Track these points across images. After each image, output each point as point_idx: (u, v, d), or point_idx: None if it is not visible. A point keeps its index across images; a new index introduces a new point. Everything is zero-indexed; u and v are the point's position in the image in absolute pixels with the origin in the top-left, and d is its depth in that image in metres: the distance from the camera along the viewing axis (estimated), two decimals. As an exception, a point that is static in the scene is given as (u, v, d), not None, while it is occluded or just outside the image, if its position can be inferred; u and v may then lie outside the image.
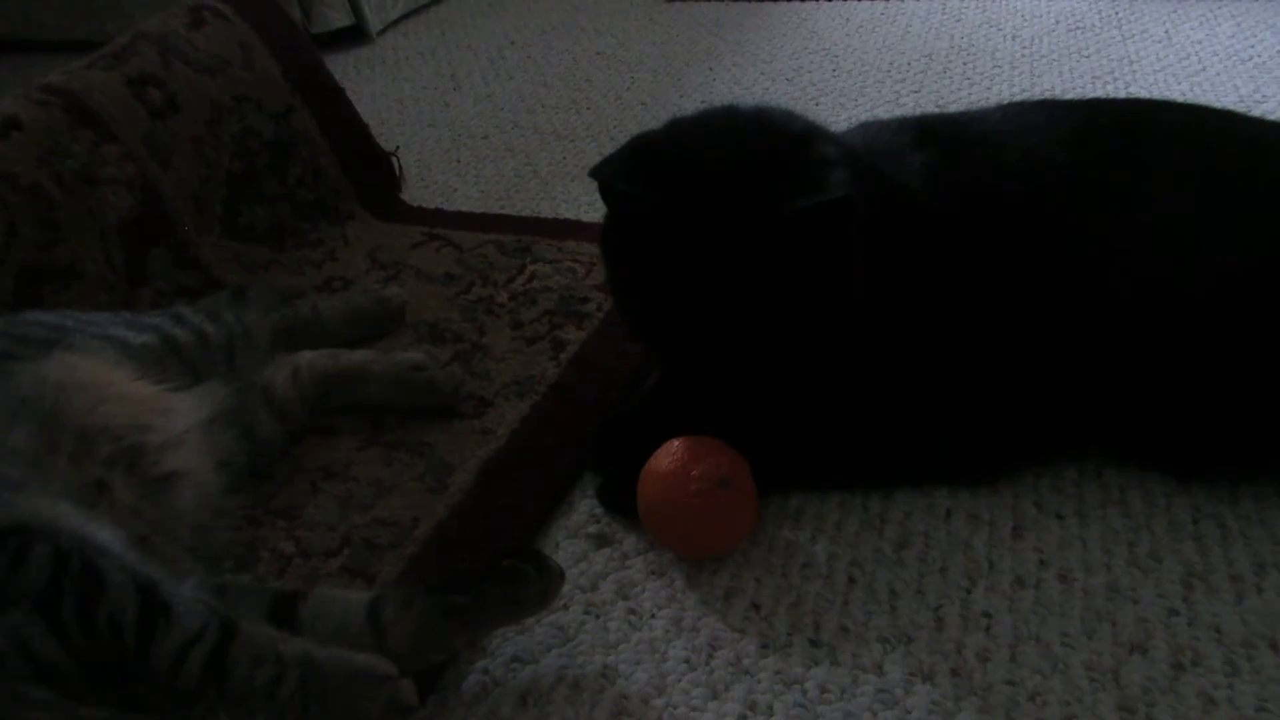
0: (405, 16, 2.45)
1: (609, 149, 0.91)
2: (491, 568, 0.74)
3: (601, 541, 0.88)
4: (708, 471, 0.81)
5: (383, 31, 2.35)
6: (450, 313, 1.22)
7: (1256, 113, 1.41)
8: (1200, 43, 1.78)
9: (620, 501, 0.89)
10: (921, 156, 0.88)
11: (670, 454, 0.84)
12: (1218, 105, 0.93)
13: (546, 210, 1.46)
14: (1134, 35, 1.85)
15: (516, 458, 0.98)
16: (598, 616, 0.81)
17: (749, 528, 0.85)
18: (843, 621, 0.78)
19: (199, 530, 0.87)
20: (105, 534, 0.71)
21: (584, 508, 0.92)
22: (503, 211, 1.47)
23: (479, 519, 0.92)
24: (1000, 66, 1.76)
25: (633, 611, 0.81)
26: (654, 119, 1.28)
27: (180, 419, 0.90)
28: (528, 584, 0.73)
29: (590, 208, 1.44)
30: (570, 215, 1.44)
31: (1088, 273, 0.84)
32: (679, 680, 0.75)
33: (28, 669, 0.61)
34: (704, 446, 0.84)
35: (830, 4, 2.11)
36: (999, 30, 1.93)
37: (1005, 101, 1.01)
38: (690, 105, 1.20)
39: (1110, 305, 0.83)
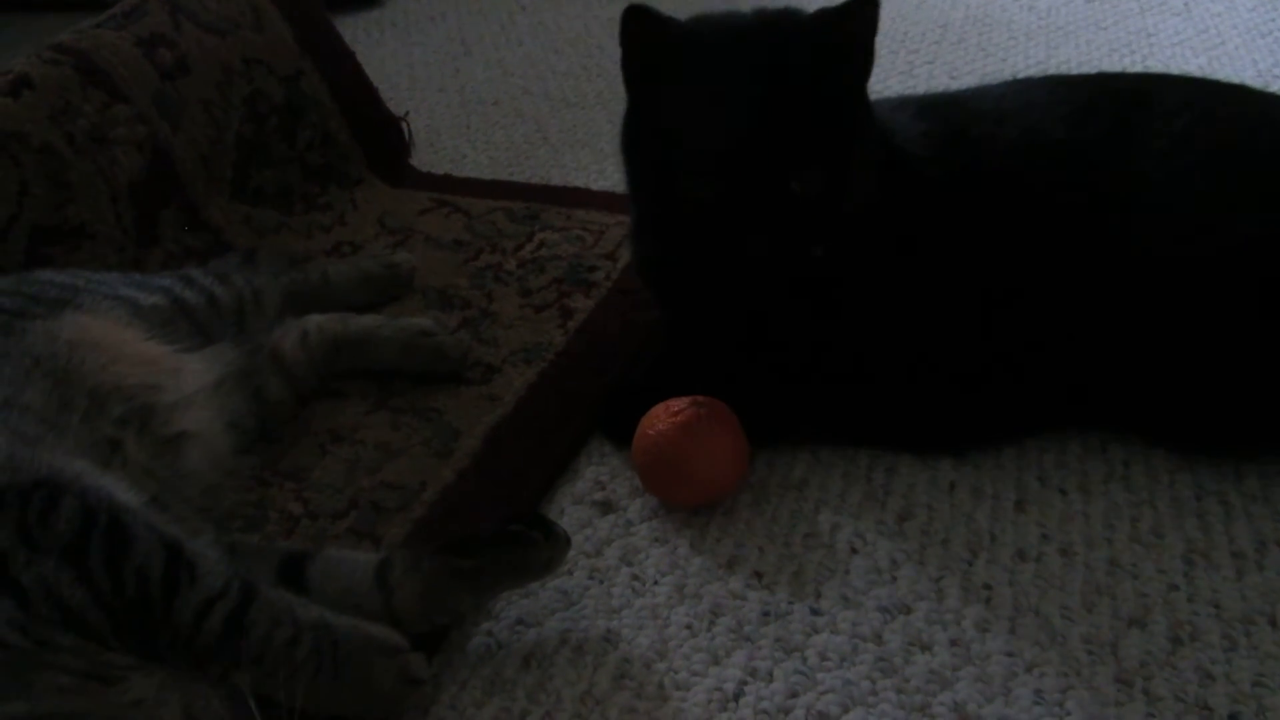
0: (416, -21, 2.42)
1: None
2: (498, 532, 0.75)
3: (606, 508, 0.89)
4: (687, 401, 0.85)
5: (393, -6, 2.33)
6: (458, 279, 1.23)
7: (1275, 87, 1.39)
8: (1219, 15, 1.76)
9: (625, 440, 0.91)
10: (923, 126, 0.89)
11: (652, 413, 0.87)
12: (1235, 79, 0.93)
13: (556, 178, 1.46)
14: (1152, 8, 1.83)
15: (523, 424, 0.99)
16: (601, 582, 0.82)
17: (734, 464, 0.86)
18: (844, 591, 0.79)
19: (208, 490, 0.87)
20: (125, 492, 0.72)
21: (589, 475, 0.93)
22: (512, 178, 1.47)
23: (485, 484, 0.92)
24: (1016, 38, 1.75)
25: (636, 577, 0.82)
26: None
27: (190, 380, 0.91)
28: (534, 549, 0.74)
29: (600, 175, 1.44)
30: (580, 183, 1.43)
31: (1087, 248, 0.84)
32: (681, 645, 0.76)
33: (56, 615, 0.62)
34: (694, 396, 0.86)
35: (845, -28, 2.08)
36: (1015, 1, 1.91)
37: (1015, 76, 1.00)
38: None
39: (1111, 280, 0.83)
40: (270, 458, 0.97)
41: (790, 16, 0.84)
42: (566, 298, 1.18)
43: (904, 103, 0.94)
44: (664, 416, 0.86)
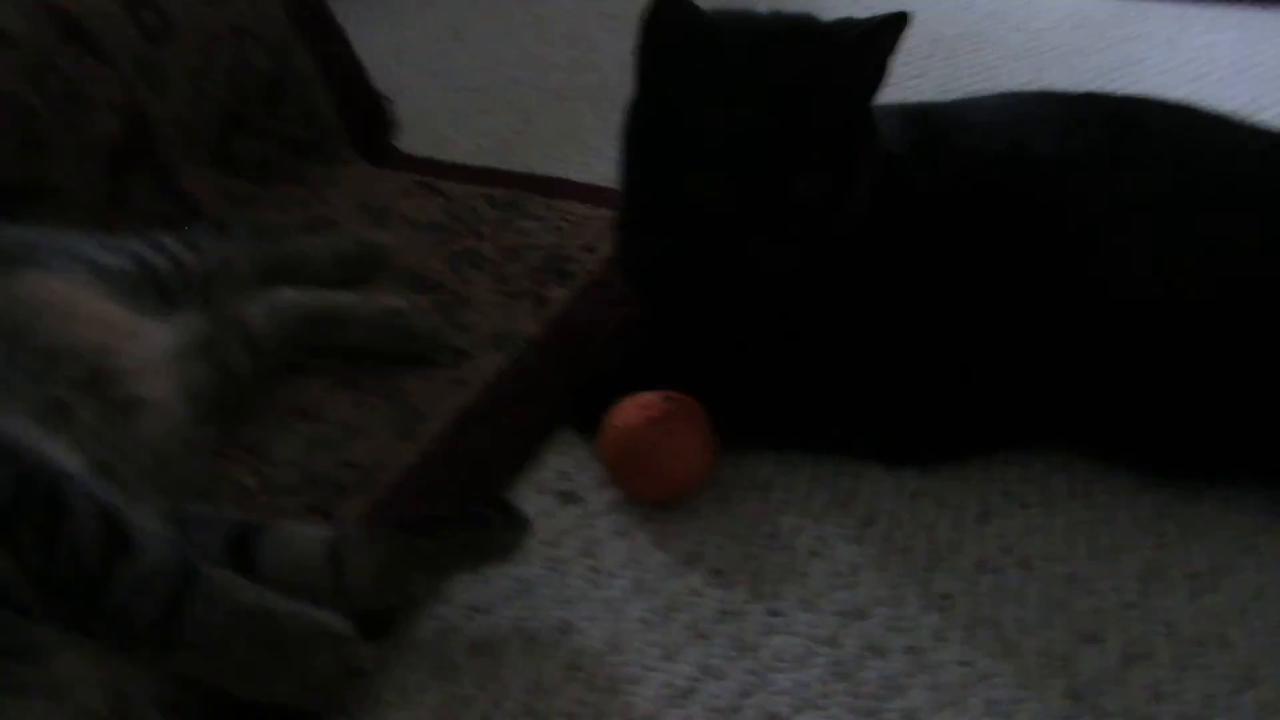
0: (411, -37, 2.41)
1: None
2: (458, 514, 0.74)
3: (568, 499, 0.88)
4: (658, 396, 0.85)
5: (387, -24, 2.32)
6: (434, 262, 1.21)
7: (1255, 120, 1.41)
8: (1204, 48, 1.78)
9: (591, 431, 0.90)
10: (911, 134, 0.88)
11: (622, 406, 0.87)
12: (1219, 110, 0.94)
13: (540, 168, 1.45)
14: (1139, 36, 1.85)
15: (490, 410, 0.98)
16: (559, 571, 0.81)
17: (701, 462, 0.85)
18: (802, 593, 0.79)
19: (162, 460, 0.85)
20: (67, 457, 0.70)
21: (554, 464, 0.92)
22: (496, 166, 1.46)
23: (448, 468, 0.91)
24: (1005, 58, 1.76)
25: (594, 569, 0.81)
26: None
27: (150, 346, 0.89)
28: (494, 532, 0.73)
29: (584, 169, 1.43)
30: (563, 175, 1.42)
31: (1063, 266, 0.84)
32: (635, 639, 0.75)
33: None
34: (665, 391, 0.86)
35: (841, -17, 2.09)
36: (1006, 21, 1.92)
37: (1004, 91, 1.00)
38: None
39: (1084, 300, 0.83)
40: (229, 430, 0.95)
41: (813, 23, 0.85)
42: (542, 287, 1.17)
43: (891, 110, 0.94)
44: (633, 410, 0.85)
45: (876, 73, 0.84)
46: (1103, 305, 0.83)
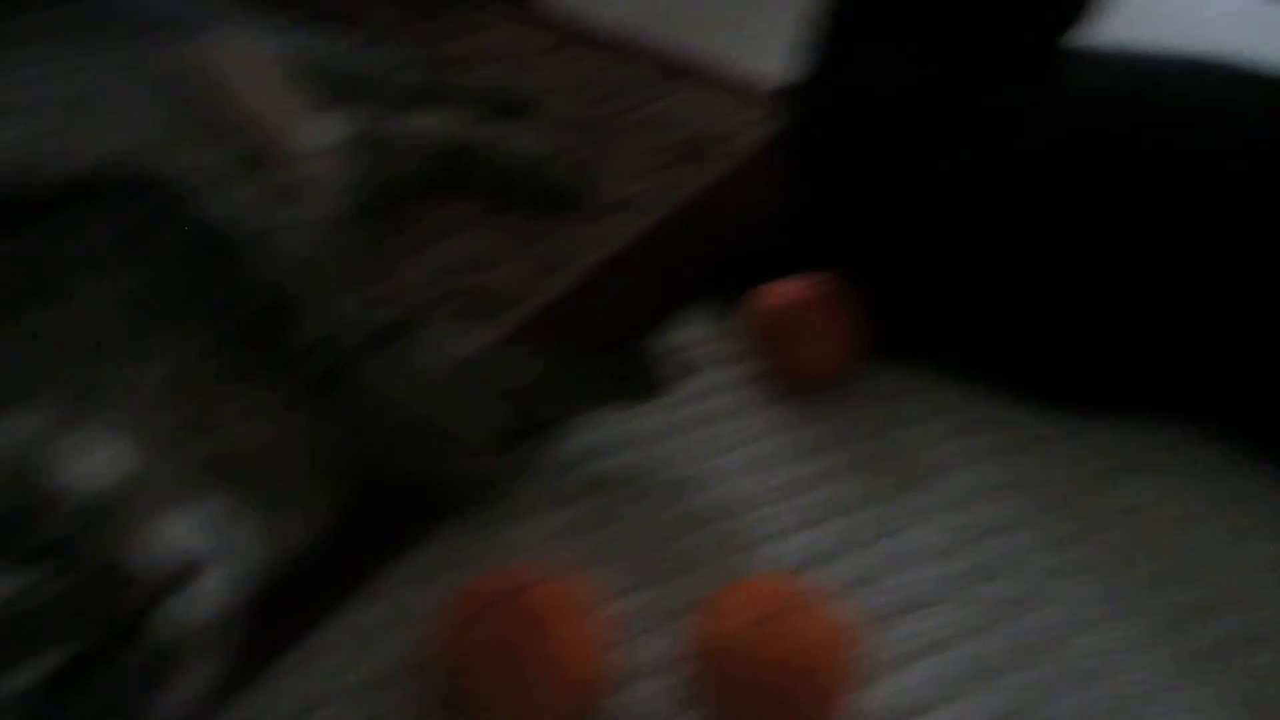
0: None
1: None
2: (608, 351, 0.73)
3: (694, 368, 0.88)
4: (816, 278, 0.84)
5: None
6: (577, 116, 1.20)
7: None
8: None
9: (726, 308, 0.89)
10: (1106, 78, 0.84)
11: (776, 285, 0.86)
12: None
13: (697, 46, 1.41)
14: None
15: (628, 268, 0.97)
16: (679, 434, 0.81)
17: (847, 353, 0.84)
18: (917, 506, 0.78)
19: (307, 252, 0.86)
20: (255, 219, 0.70)
21: (682, 333, 0.91)
22: (650, 34, 1.42)
23: (582, 314, 0.91)
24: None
25: (713, 439, 0.81)
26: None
27: (314, 135, 0.89)
28: (641, 375, 0.73)
29: (742, 54, 1.39)
30: (720, 57, 1.39)
31: (1240, 241, 0.80)
32: (750, 511, 0.75)
33: (180, 307, 0.62)
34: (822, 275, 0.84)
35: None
36: None
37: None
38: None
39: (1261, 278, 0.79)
40: (371, 238, 0.96)
41: None
42: (686, 163, 1.15)
43: (1086, 53, 0.89)
44: (789, 288, 0.84)
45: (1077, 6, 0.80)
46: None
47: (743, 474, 0.78)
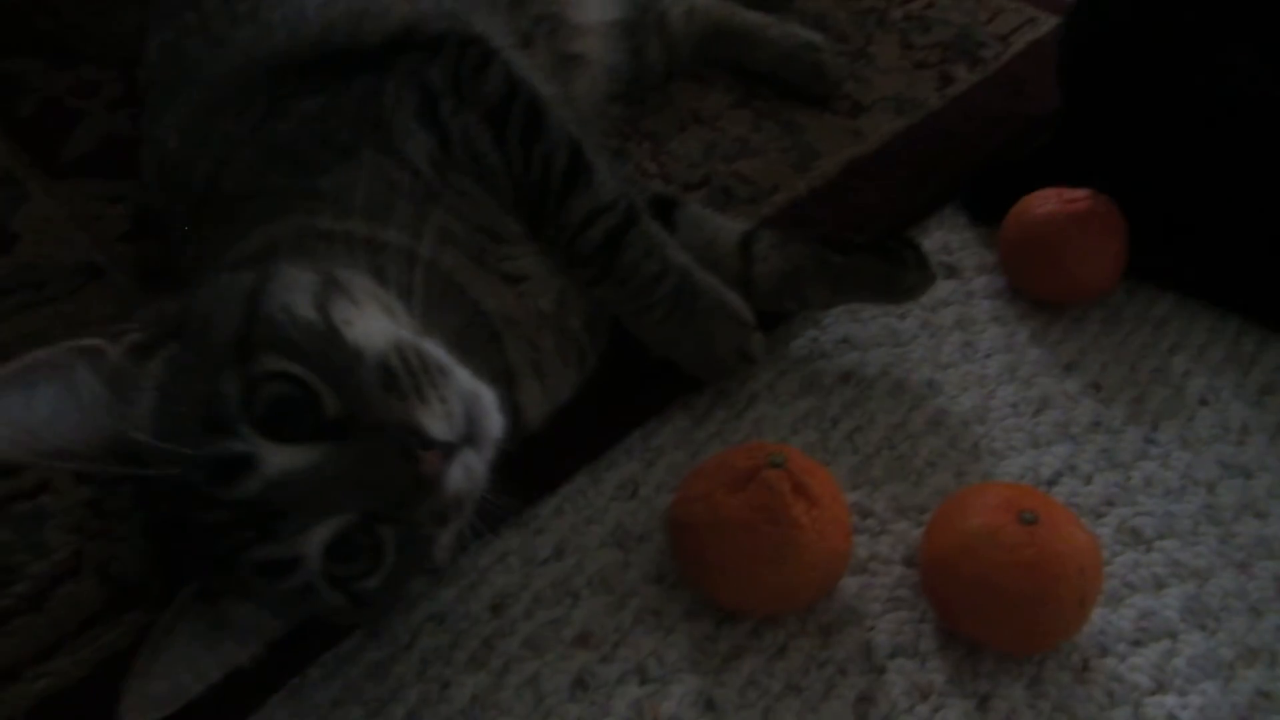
0: None
1: None
2: (873, 243, 0.73)
3: (950, 272, 0.86)
4: (1086, 192, 0.80)
5: None
6: (838, 12, 1.16)
7: None
8: None
9: (985, 215, 0.87)
10: None
11: (1043, 194, 0.82)
12: None
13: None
14: None
15: (882, 168, 0.96)
16: (933, 336, 0.80)
17: (1110, 272, 0.81)
18: (1184, 434, 0.75)
19: (581, 122, 0.89)
20: (543, 85, 0.73)
21: (939, 236, 0.90)
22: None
23: (835, 209, 0.90)
24: None
25: (968, 344, 0.80)
26: None
27: (593, 10, 0.90)
28: (905, 270, 0.72)
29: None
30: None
31: None
32: (1002, 420, 0.75)
33: (469, 163, 0.65)
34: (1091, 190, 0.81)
35: None
36: None
37: None
38: None
39: None
40: (633, 116, 0.98)
41: None
42: (948, 64, 1.10)
43: None
44: (1056, 200, 0.81)
45: None
46: None
47: (1000, 382, 0.77)
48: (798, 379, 0.76)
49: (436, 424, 0.48)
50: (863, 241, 0.74)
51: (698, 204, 0.80)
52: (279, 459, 0.45)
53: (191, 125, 0.69)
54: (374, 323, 0.51)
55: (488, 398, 0.51)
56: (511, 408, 0.63)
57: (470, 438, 0.50)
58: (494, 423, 0.51)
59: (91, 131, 0.96)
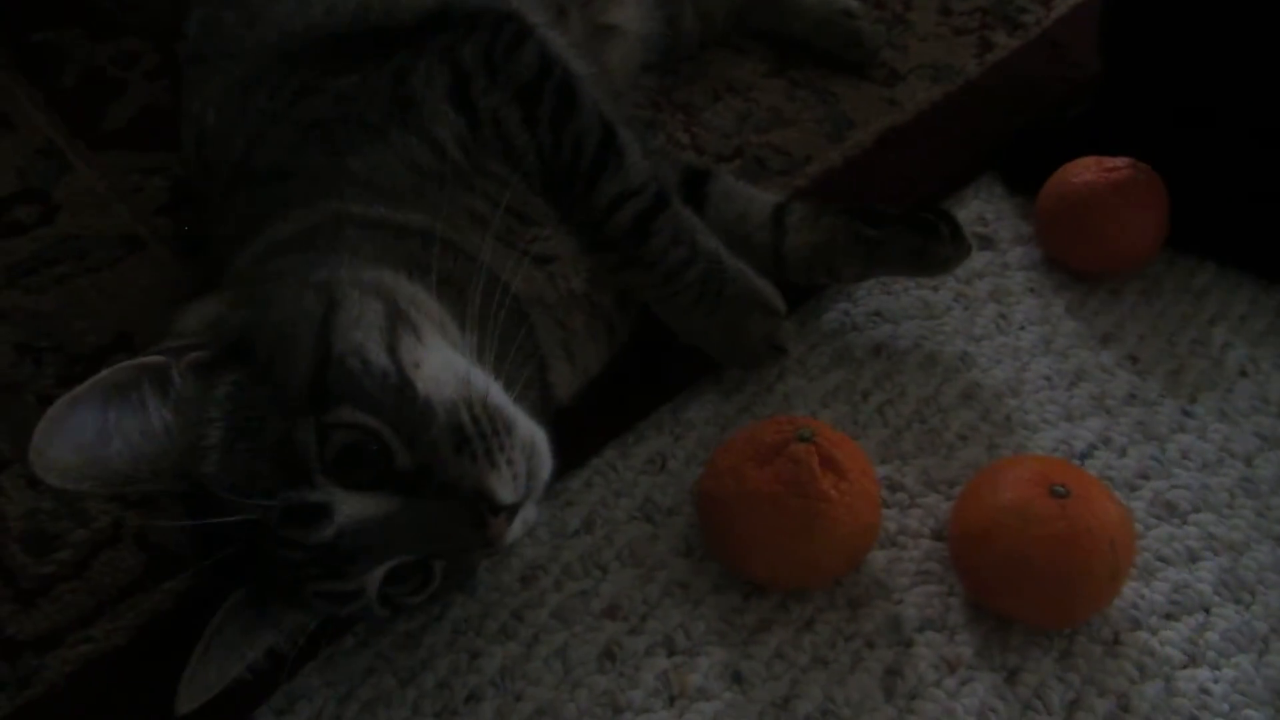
0: None
1: None
2: (908, 214, 0.72)
3: (985, 243, 0.85)
4: (1126, 161, 0.78)
5: None
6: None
7: None
8: None
9: (1021, 184, 0.86)
10: None
11: (1081, 163, 0.80)
12: None
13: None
14: None
15: (918, 136, 0.94)
16: (966, 308, 0.80)
17: (1149, 243, 0.80)
18: (1222, 405, 0.74)
19: (614, 95, 0.88)
20: (576, 62, 0.72)
21: (974, 207, 0.88)
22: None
23: (869, 180, 0.90)
24: None
25: (1003, 317, 0.79)
26: None
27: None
28: (939, 242, 0.71)
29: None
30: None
31: None
32: (1036, 392, 0.74)
33: (497, 145, 0.64)
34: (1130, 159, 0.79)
35: None
36: None
37: None
38: None
39: None
40: (667, 88, 0.97)
41: None
42: (988, 30, 1.08)
43: None
44: (1095, 169, 0.79)
45: None
46: None
47: (1034, 354, 0.76)
48: (829, 352, 0.76)
49: (504, 489, 0.50)
50: (896, 214, 0.73)
51: (731, 176, 0.79)
52: (351, 507, 0.47)
53: (228, 100, 0.70)
54: (439, 360, 0.52)
55: (543, 444, 0.53)
56: (542, 387, 0.63)
57: (530, 491, 0.52)
58: (548, 468, 0.53)
59: (132, 102, 0.97)
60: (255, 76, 0.68)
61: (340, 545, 0.47)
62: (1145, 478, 0.69)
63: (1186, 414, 0.73)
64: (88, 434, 0.46)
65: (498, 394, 0.53)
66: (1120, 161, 0.79)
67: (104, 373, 0.46)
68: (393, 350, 0.50)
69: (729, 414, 0.72)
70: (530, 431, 0.53)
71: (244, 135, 0.66)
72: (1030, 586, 0.58)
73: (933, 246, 0.71)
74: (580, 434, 0.69)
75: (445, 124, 0.63)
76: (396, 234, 0.58)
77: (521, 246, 0.63)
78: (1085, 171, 0.79)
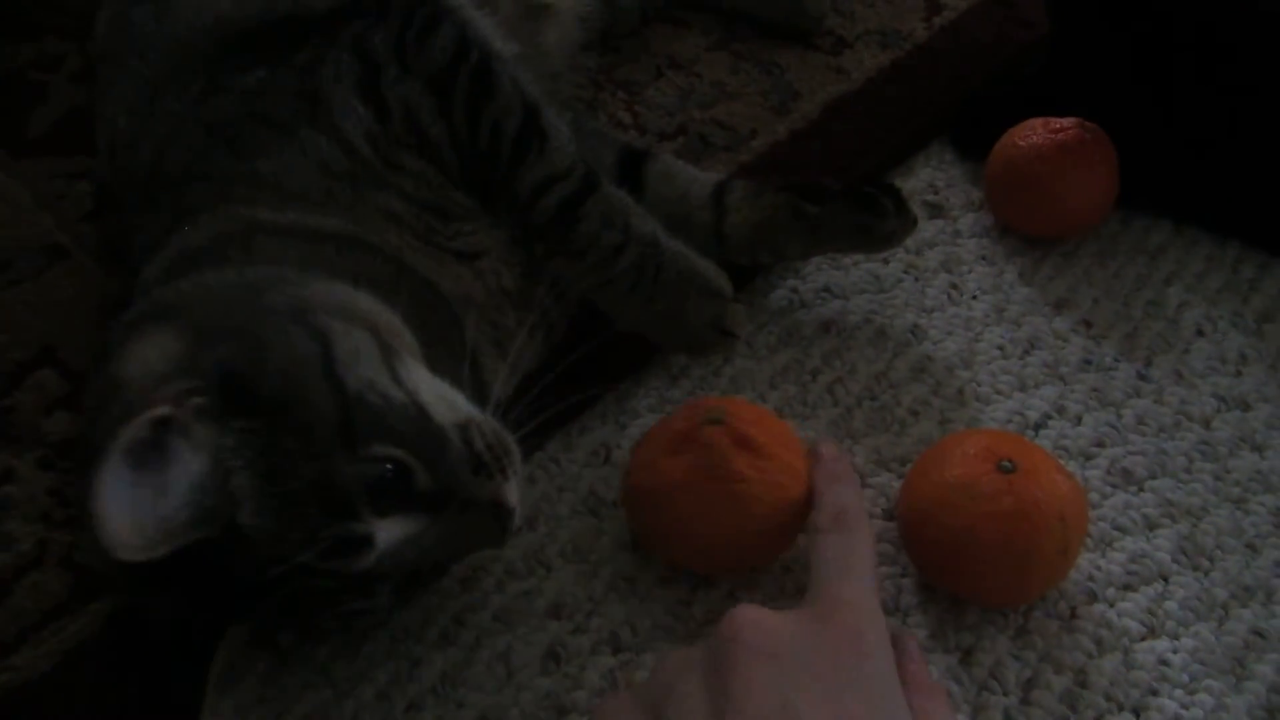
0: None
1: None
2: (851, 189, 0.70)
3: (936, 211, 0.83)
4: (1073, 121, 0.77)
5: None
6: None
7: None
8: None
9: (972, 149, 0.85)
10: None
11: (1028, 125, 0.79)
12: None
13: None
14: None
15: (866, 105, 0.92)
16: (917, 280, 0.78)
17: (1100, 203, 0.78)
18: (1178, 367, 0.72)
19: (551, 76, 0.86)
20: (500, 42, 0.70)
21: (924, 175, 0.87)
22: None
23: (816, 152, 0.88)
24: None
25: (954, 286, 0.78)
26: None
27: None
28: (883, 217, 0.69)
29: None
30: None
31: None
32: (989, 363, 0.72)
33: (411, 138, 0.61)
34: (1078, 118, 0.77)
35: None
36: None
37: None
38: None
39: None
40: (607, 65, 0.95)
41: None
42: (934, -8, 1.06)
43: None
44: (1042, 130, 0.77)
45: None
46: None
47: (986, 324, 0.75)
48: (777, 331, 0.74)
49: (513, 495, 0.52)
50: (838, 189, 0.70)
51: (671, 155, 0.77)
52: (388, 532, 0.48)
53: (139, 102, 0.67)
54: (424, 380, 0.53)
55: (514, 445, 0.54)
56: (478, 386, 0.61)
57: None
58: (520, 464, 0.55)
59: (56, 107, 0.94)
60: (164, 76, 0.65)
61: (377, 568, 0.48)
62: (1101, 445, 0.67)
63: (1142, 378, 0.72)
64: (142, 504, 0.44)
65: (489, 418, 0.54)
66: (1067, 122, 0.78)
67: (128, 431, 0.44)
68: (397, 380, 0.51)
69: (675, 400, 0.71)
70: (510, 439, 0.54)
71: (154, 139, 0.63)
72: (979, 565, 0.57)
73: (877, 222, 0.69)
74: (521, 428, 0.67)
75: (354, 118, 0.60)
76: (311, 239, 0.56)
77: (444, 243, 0.61)
78: (1032, 134, 0.78)
